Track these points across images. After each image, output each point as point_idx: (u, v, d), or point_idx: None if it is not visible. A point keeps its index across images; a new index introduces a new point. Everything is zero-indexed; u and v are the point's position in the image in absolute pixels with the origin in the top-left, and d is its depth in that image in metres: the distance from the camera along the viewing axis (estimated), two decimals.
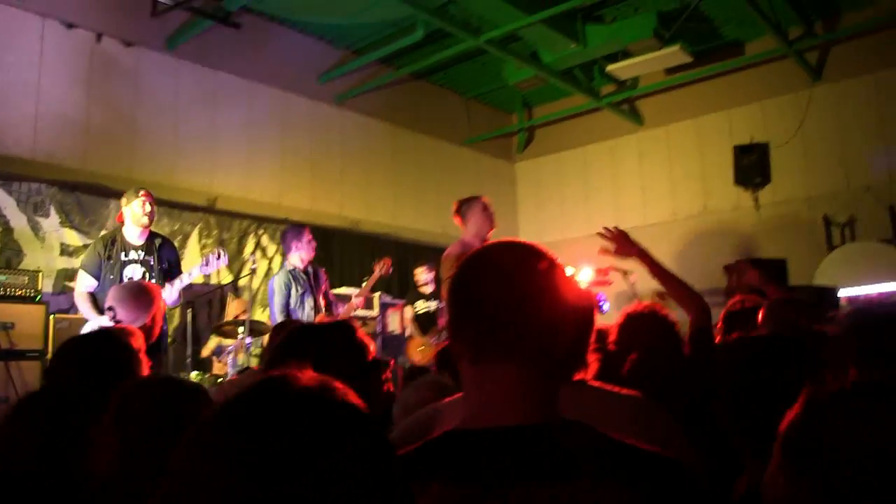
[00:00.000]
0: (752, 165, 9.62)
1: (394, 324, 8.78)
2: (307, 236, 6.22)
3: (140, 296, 3.84)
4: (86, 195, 7.18)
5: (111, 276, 5.08)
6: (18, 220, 6.75)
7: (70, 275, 6.94)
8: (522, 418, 1.17)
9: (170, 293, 5.10)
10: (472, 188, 7.50)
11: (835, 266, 7.95)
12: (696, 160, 10.31)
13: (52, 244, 6.93)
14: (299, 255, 6.16)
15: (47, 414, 1.87)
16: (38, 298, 6.17)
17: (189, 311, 5.81)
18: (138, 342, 2.88)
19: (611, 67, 9.13)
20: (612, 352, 3.18)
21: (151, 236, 5.36)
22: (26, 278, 6.19)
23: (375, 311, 8.68)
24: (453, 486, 1.12)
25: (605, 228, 3.47)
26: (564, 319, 1.23)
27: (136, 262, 5.20)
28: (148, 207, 5.26)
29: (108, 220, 7.28)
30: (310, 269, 6.22)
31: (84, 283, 5.15)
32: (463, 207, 5.43)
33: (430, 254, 8.69)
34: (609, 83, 10.19)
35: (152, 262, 5.24)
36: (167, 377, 1.76)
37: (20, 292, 6.10)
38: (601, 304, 8.28)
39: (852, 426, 0.99)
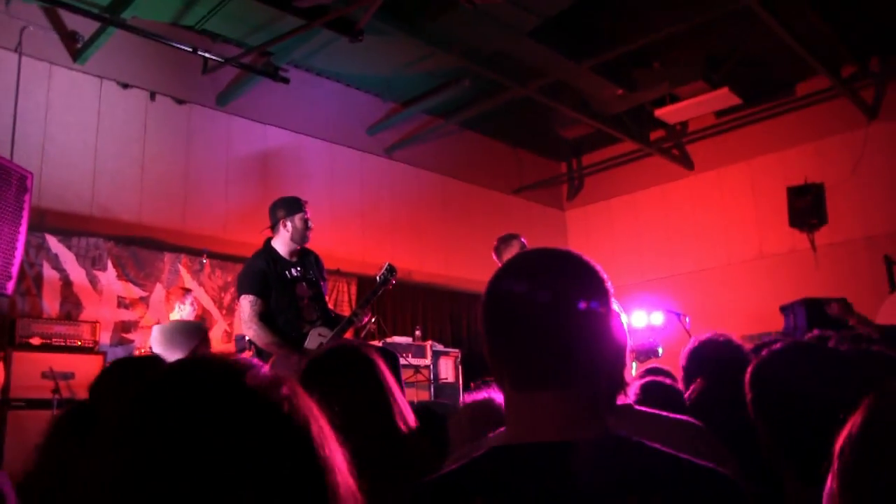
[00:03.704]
0: (807, 207, 9.44)
1: (446, 371, 8.71)
2: (190, 297, 6.42)
3: (177, 336, 3.90)
4: (141, 249, 7.33)
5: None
6: (77, 274, 6.91)
7: (127, 327, 7.07)
8: (570, 435, 1.11)
9: None
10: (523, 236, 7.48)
11: None
12: (749, 203, 10.16)
13: (110, 297, 7.06)
14: (181, 315, 6.37)
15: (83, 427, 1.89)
16: (96, 349, 6.31)
17: None
18: None
19: (659, 112, 9.10)
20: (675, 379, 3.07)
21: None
22: (85, 329, 6.34)
23: (428, 360, 8.64)
24: (498, 502, 1.06)
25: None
26: (608, 341, 1.17)
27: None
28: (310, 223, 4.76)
29: (163, 274, 7.42)
30: None
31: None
32: (500, 246, 5.31)
33: None
34: (658, 128, 10.15)
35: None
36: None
37: (79, 343, 6.26)
38: (656, 347, 8.13)
39: None
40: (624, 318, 1.34)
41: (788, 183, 9.60)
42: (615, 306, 1.21)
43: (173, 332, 3.96)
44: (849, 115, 9.15)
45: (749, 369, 1.85)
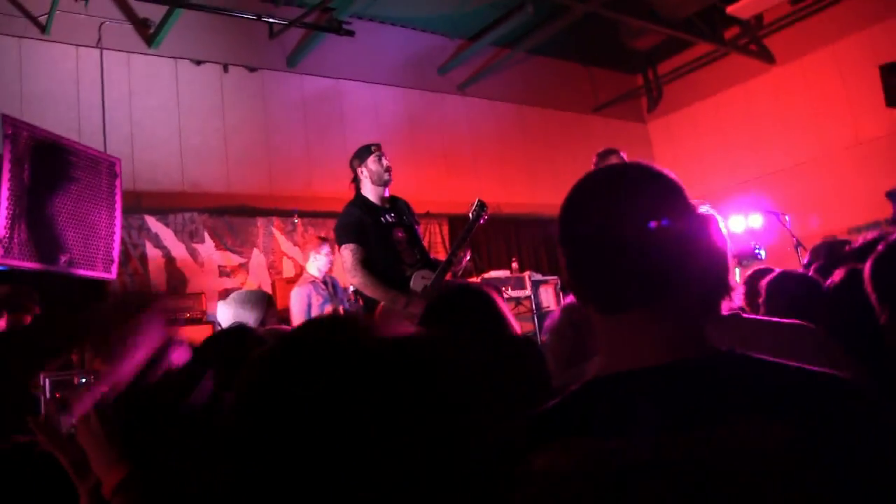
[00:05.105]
0: None
1: (547, 300, 8.71)
2: (326, 248, 6.28)
3: (246, 305, 3.97)
4: (234, 217, 7.59)
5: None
6: (178, 250, 7.22)
7: (230, 294, 7.37)
8: (668, 356, 1.03)
9: None
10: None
11: None
12: (839, 89, 9.68)
13: (211, 268, 7.37)
14: (317, 266, 6.27)
15: None
16: (204, 319, 6.60)
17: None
18: None
19: (731, 8, 8.72)
20: None
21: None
22: (192, 301, 6.65)
23: (528, 290, 8.65)
24: (598, 439, 1.00)
25: None
26: (694, 248, 1.07)
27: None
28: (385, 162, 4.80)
29: (258, 238, 7.67)
30: (328, 279, 6.29)
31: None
32: (599, 162, 5.13)
33: None
34: (732, 25, 9.75)
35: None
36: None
37: (189, 315, 6.56)
38: (757, 250, 7.96)
39: None
40: (721, 221, 1.27)
41: (880, 61, 9.03)
42: (708, 210, 1.15)
43: (242, 301, 4.04)
44: None
45: (867, 265, 1.78)
